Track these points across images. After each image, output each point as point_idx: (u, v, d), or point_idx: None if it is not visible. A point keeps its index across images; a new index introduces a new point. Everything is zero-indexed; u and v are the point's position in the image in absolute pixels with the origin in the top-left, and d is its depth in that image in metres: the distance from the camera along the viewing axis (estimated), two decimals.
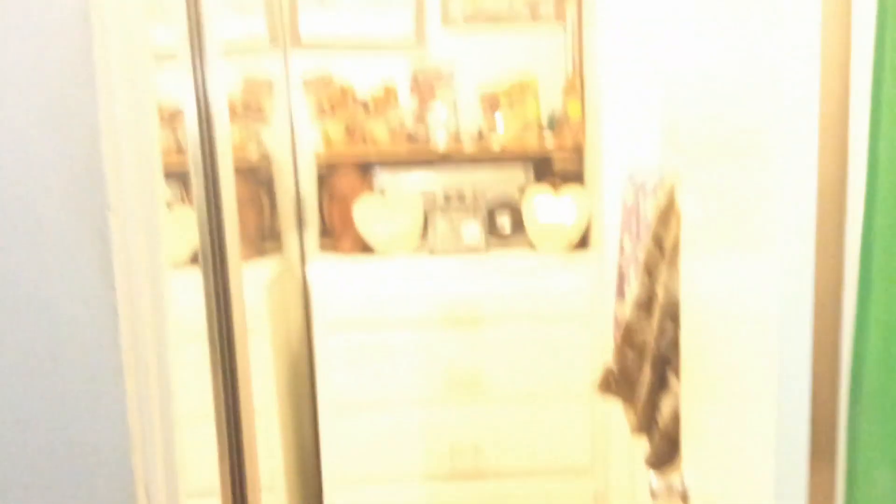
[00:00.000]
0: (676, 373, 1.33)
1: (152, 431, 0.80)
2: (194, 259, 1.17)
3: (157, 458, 0.81)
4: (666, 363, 1.39)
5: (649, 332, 1.42)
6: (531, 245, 2.32)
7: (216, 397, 1.21)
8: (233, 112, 2.28)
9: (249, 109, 2.35)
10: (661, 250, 1.40)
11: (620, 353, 1.53)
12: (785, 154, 0.70)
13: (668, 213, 1.40)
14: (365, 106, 2.35)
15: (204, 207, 1.13)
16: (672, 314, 1.33)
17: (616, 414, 1.86)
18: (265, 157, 2.45)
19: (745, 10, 0.80)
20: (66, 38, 0.67)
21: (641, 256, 1.47)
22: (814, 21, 0.67)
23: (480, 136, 2.41)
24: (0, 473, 0.75)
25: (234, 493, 1.23)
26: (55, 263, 0.72)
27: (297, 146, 2.49)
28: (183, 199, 2.15)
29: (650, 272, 1.44)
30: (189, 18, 1.06)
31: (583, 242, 2.31)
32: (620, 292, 1.81)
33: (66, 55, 0.67)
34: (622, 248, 1.82)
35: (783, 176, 0.70)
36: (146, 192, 0.77)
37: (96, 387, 0.75)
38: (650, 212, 1.50)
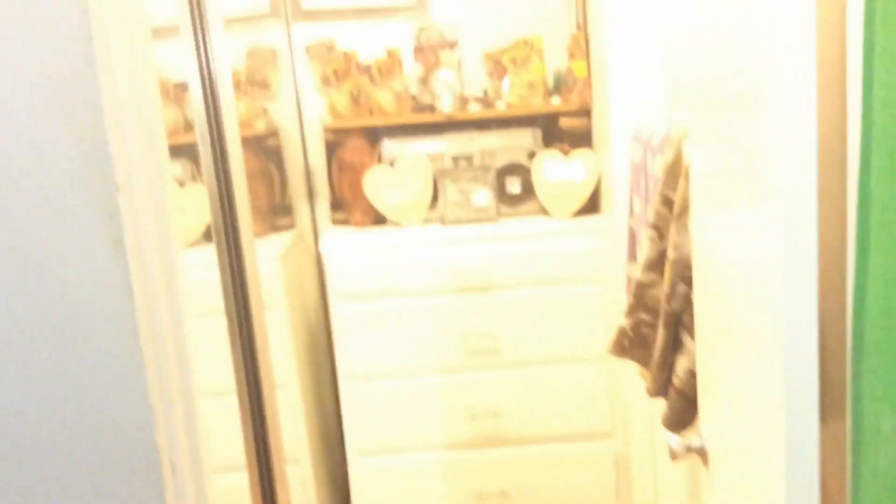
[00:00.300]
0: (690, 332, 1.33)
1: (174, 407, 0.81)
2: (209, 235, 1.17)
3: (181, 434, 0.82)
4: (679, 323, 1.39)
5: (661, 293, 1.42)
6: (542, 210, 2.32)
7: (237, 371, 1.22)
8: (238, 85, 2.27)
9: (254, 82, 2.34)
10: (670, 208, 1.39)
11: (633, 315, 1.53)
12: (785, 107, 0.70)
13: (675, 170, 1.39)
14: (369, 73, 2.33)
15: (214, 180, 1.13)
16: (683, 273, 1.33)
17: (634, 376, 1.86)
18: (273, 130, 2.44)
19: None
20: (64, 18, 0.67)
21: (651, 216, 1.46)
22: None
23: (486, 99, 2.39)
24: (25, 455, 0.77)
25: (259, 467, 1.24)
26: (68, 245, 0.73)
27: (303, 118, 2.48)
28: (195, 177, 2.16)
29: (660, 231, 1.43)
30: None
31: (593, 205, 2.30)
32: (632, 254, 1.81)
33: (65, 35, 0.67)
34: (632, 210, 1.81)
35: (784, 129, 0.70)
36: (153, 169, 0.77)
37: (116, 366, 0.76)
38: (658, 169, 1.49)
